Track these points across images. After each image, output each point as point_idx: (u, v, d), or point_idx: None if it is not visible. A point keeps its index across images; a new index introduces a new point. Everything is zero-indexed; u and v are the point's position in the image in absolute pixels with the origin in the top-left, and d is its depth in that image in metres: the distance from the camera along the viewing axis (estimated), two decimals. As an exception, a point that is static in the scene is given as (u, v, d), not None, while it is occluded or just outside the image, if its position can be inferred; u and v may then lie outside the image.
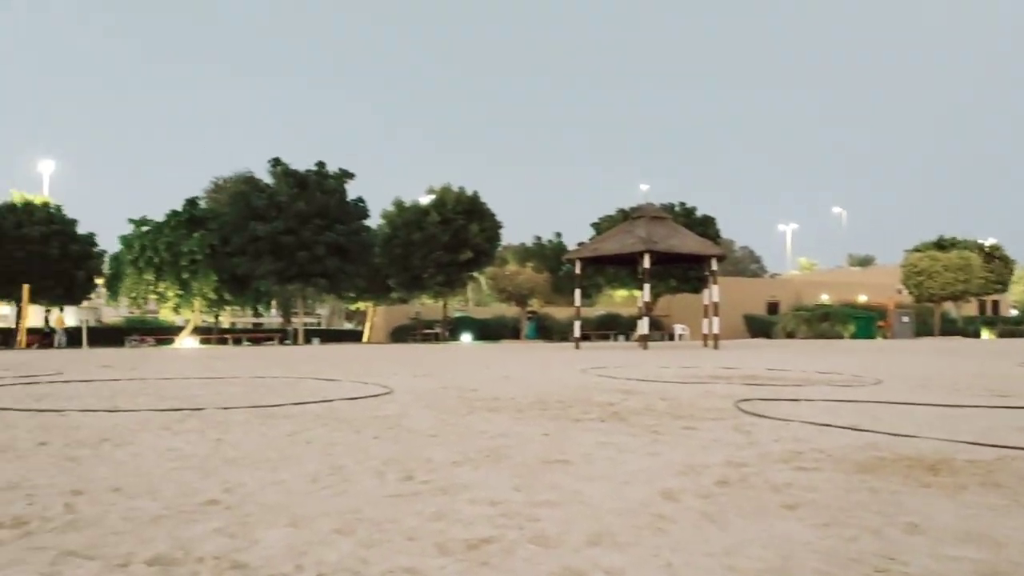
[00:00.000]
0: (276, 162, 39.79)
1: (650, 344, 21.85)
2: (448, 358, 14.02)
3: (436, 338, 41.12)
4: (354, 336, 50.13)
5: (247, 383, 7.08)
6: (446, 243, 39.15)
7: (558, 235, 46.10)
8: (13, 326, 39.45)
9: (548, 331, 42.58)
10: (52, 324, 36.87)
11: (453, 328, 43.09)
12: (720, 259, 23.96)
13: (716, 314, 22.11)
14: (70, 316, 56.64)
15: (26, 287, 34.20)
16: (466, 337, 40.76)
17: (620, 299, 44.87)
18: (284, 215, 37.45)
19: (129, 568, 1.52)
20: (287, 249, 37.18)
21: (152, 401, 5.14)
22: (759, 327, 44.42)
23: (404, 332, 43.45)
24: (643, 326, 22.09)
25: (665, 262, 25.01)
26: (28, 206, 40.01)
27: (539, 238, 46.74)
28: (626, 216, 33.84)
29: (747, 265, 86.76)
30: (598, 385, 6.51)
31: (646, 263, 21.33)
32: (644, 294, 22.18)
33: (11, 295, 37.62)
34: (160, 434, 3.45)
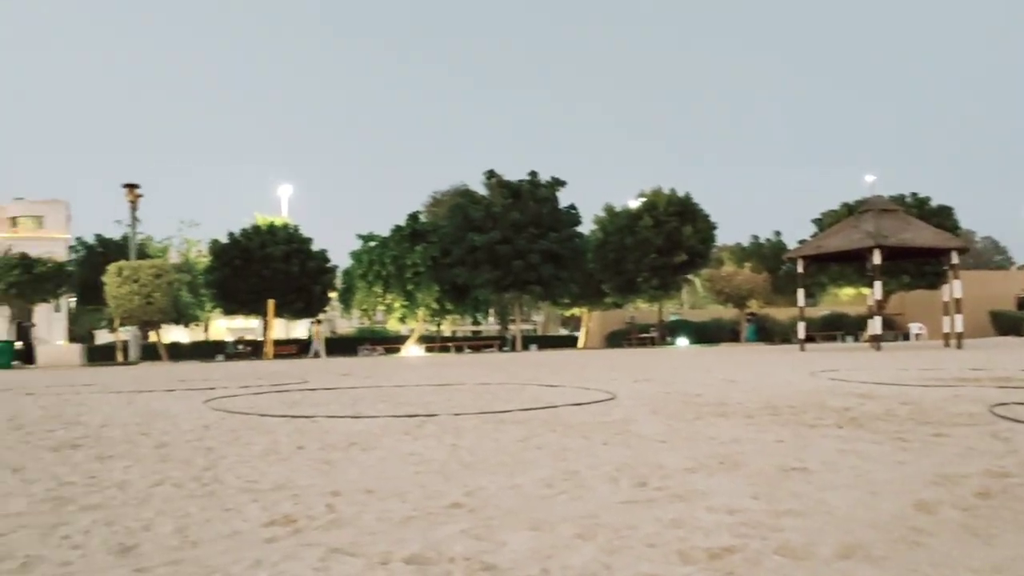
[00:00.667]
0: (491, 174, 41.07)
1: (883, 345, 20.58)
2: (667, 362, 13.87)
3: (652, 342, 40.77)
4: (570, 342, 50.70)
5: (473, 389, 7.34)
6: (659, 246, 38.78)
7: (777, 234, 44.47)
8: (261, 338, 43.10)
9: (769, 333, 41.07)
10: (311, 335, 39.49)
11: (669, 332, 42.55)
12: (961, 251, 22.16)
13: (959, 311, 20.48)
14: (306, 328, 61.14)
15: (271, 302, 37.22)
16: (682, 341, 40.11)
17: (846, 298, 42.55)
18: (499, 225, 38.55)
19: (389, 566, 1.62)
20: (503, 258, 38.23)
21: (390, 407, 5.44)
22: (1008, 324, 40.59)
23: (619, 337, 43.38)
24: (875, 325, 20.84)
25: (897, 257, 23.50)
26: (271, 228, 43.55)
27: (756, 237, 45.31)
28: (851, 211, 32.11)
29: (990, 257, 79.92)
30: (831, 389, 6.21)
31: (876, 259, 20.10)
32: (875, 292, 20.90)
33: (258, 310, 41.10)
34: (401, 439, 3.65)
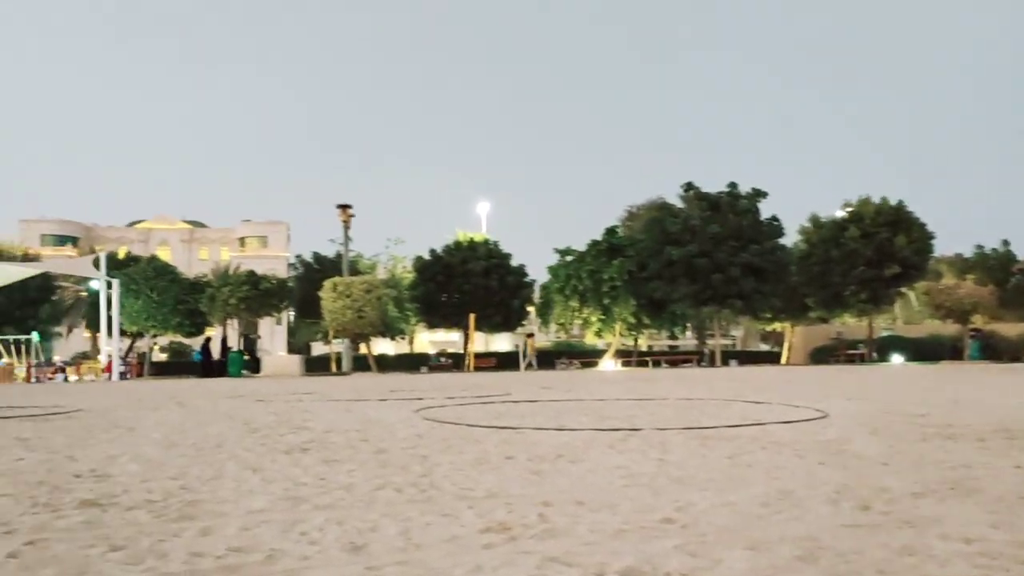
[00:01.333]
0: (688, 186, 40.47)
1: None
2: (881, 380, 13.09)
3: (861, 359, 38.61)
4: (771, 358, 48.96)
5: (676, 404, 7.24)
6: (868, 258, 36.75)
7: (1005, 243, 40.98)
8: (462, 351, 44.55)
9: (995, 351, 37.87)
10: (524, 347, 40.27)
11: (880, 348, 40.14)
12: None
13: None
14: (505, 341, 62.55)
15: (472, 316, 38.39)
16: (896, 358, 37.72)
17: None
18: (698, 238, 37.89)
19: (604, 577, 1.63)
20: (702, 272, 37.52)
21: (593, 421, 5.48)
22: None
23: (824, 353, 41.40)
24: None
25: None
26: (471, 244, 44.98)
27: (981, 247, 41.96)
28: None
29: None
30: (1073, 412, 5.65)
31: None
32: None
33: (459, 323, 42.51)
34: (606, 452, 3.66)
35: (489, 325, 43.24)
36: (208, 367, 34.17)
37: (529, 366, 36.20)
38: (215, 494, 2.74)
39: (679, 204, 41.22)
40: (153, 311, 42.17)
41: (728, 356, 45.86)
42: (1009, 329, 38.32)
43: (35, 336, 35.48)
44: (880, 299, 38.44)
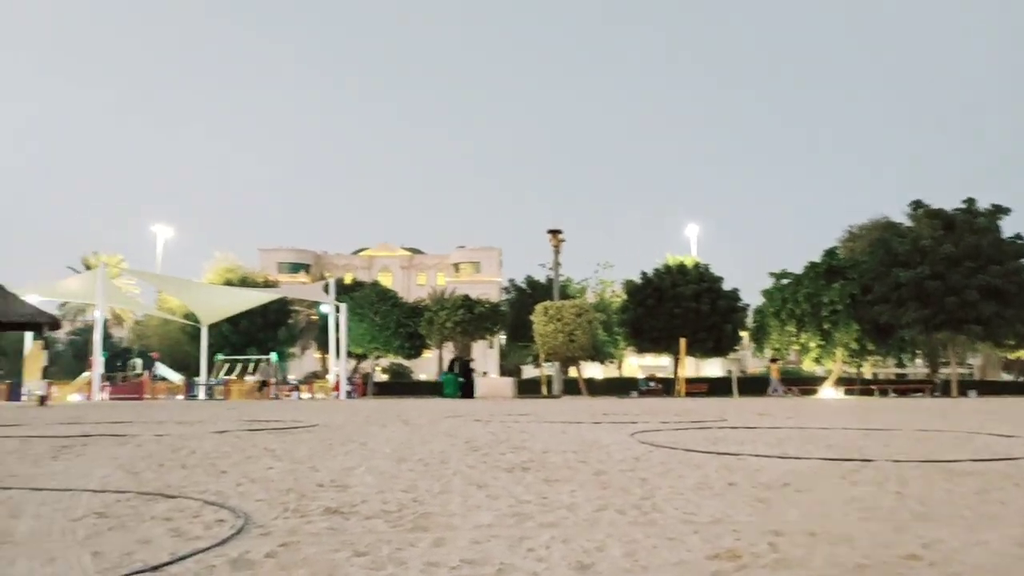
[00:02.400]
0: (917, 204, 37.96)
1: None
2: None
3: None
4: (1015, 388, 44.72)
5: (911, 435, 6.77)
6: None
7: None
8: (671, 375, 43.89)
9: None
10: (769, 372, 38.96)
11: None
12: None
13: None
14: (716, 367, 61.02)
15: (683, 340, 37.77)
16: None
17: None
18: (928, 259, 35.40)
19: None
20: (934, 295, 34.97)
21: (818, 450, 5.22)
22: None
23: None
24: None
25: None
26: (681, 267, 44.36)
27: None
28: None
29: None
30: None
31: None
32: None
33: (669, 348, 41.96)
34: (837, 483, 3.48)
35: (700, 350, 42.38)
36: (465, 387, 33.49)
37: (775, 391, 34.47)
38: (444, 507, 2.85)
39: (906, 223, 38.71)
40: (376, 334, 44.63)
41: (965, 386, 42.32)
42: None
43: (274, 356, 38.50)
44: None
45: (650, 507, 2.83)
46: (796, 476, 3.70)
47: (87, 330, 54.30)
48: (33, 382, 24.85)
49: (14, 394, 30.41)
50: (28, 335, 29.74)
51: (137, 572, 1.87)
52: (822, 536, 2.30)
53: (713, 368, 61.06)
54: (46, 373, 22.59)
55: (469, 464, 4.33)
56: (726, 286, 43.36)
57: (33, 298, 26.68)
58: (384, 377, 60.30)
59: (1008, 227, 36.83)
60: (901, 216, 39.72)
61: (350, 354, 41.18)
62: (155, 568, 1.91)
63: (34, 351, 26.53)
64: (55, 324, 23.25)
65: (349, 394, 35.19)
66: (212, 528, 2.45)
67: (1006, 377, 58.81)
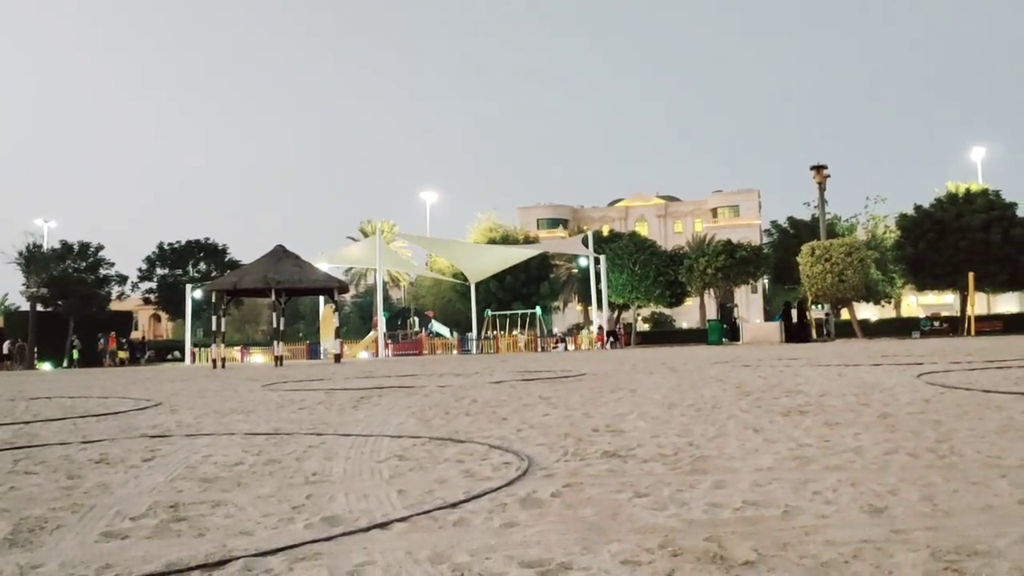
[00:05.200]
0: None
1: None
2: None
3: None
4: None
5: None
6: None
7: None
8: (957, 314, 40.37)
9: None
10: None
11: None
12: None
13: None
14: (1012, 302, 55.22)
15: (971, 275, 34.55)
16: None
17: None
18: None
19: None
20: None
21: None
22: None
23: None
24: None
25: None
26: (967, 195, 40.46)
27: None
28: None
29: None
30: None
31: None
32: None
33: (954, 284, 38.56)
34: None
35: (992, 284, 38.54)
36: (792, 332, 32.24)
37: None
38: (721, 451, 2.84)
39: None
40: (636, 283, 44.70)
41: None
42: None
43: (538, 310, 39.73)
44: None
45: (947, 450, 2.65)
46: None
47: (369, 292, 58.98)
48: (329, 341, 27.42)
49: (313, 352, 33.83)
50: (320, 299, 32.80)
51: (438, 508, 2.03)
52: None
53: (1008, 304, 55.41)
54: (339, 333, 24.80)
55: (742, 408, 4.26)
56: (1021, 213, 39.00)
57: (323, 265, 29.36)
58: (646, 327, 60.41)
59: None
60: None
61: (611, 305, 41.62)
62: (454, 505, 2.06)
63: (327, 313, 29.24)
64: (344, 288, 25.37)
65: (613, 344, 35.66)
66: (500, 470, 2.61)
67: None
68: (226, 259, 48.18)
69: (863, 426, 3.33)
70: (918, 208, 41.02)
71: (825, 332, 33.25)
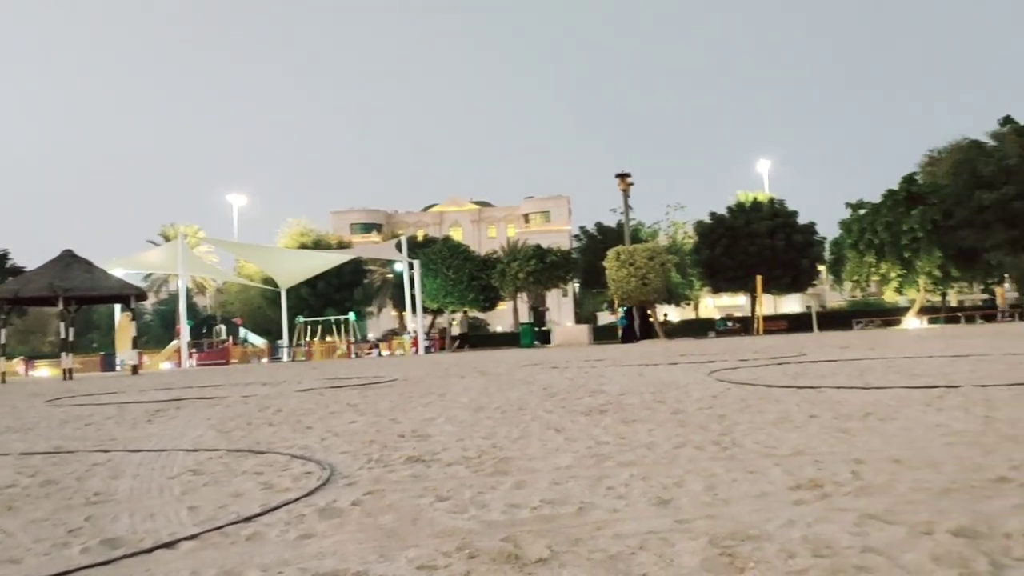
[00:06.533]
0: (1006, 120, 36.31)
1: None
2: None
3: None
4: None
5: (1000, 360, 6.59)
6: None
7: None
8: (749, 314, 43.32)
9: None
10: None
11: None
12: None
13: None
14: (795, 303, 59.90)
15: (759, 278, 37.17)
16: None
17: None
18: (1015, 179, 33.95)
19: (934, 536, 1.53)
20: (1021, 215, 33.63)
21: (902, 379, 5.13)
22: None
23: None
24: None
25: None
26: (754, 204, 43.47)
27: None
28: None
29: None
30: None
31: None
32: None
33: (745, 286, 41.35)
34: (922, 410, 3.42)
35: (777, 287, 41.67)
36: (630, 334, 33.37)
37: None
38: (524, 452, 2.89)
39: (991, 143, 37.11)
40: (450, 288, 45.01)
41: (1057, 308, 40.77)
42: None
43: (352, 316, 39.19)
44: None
45: (729, 442, 2.83)
46: (879, 406, 3.65)
47: (172, 300, 56.08)
48: (125, 352, 25.80)
49: (108, 364, 31.71)
50: (117, 307, 30.85)
51: (231, 523, 1.95)
52: (906, 463, 2.27)
53: (792, 304, 60.02)
54: (136, 343, 23.40)
55: (547, 409, 4.37)
56: (801, 220, 42.40)
57: (118, 271, 27.55)
58: (461, 330, 60.95)
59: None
60: (986, 137, 38.06)
61: (426, 310, 41.67)
62: (248, 519, 1.99)
63: (123, 322, 27.47)
64: (141, 295, 24.01)
65: (428, 349, 35.67)
66: (300, 480, 2.54)
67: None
68: (7, 265, 44.38)
69: (657, 422, 3.50)
70: (714, 215, 43.68)
71: (658, 333, 34.74)
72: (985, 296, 54.26)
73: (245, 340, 38.68)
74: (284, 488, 2.41)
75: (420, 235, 59.02)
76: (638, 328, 33.25)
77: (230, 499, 2.28)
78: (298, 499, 2.20)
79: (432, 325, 45.54)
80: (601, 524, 1.77)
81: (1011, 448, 2.40)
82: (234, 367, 25.36)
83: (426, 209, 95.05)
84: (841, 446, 2.62)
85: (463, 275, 45.16)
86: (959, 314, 42.70)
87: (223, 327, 41.77)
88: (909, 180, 38.72)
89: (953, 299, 50.07)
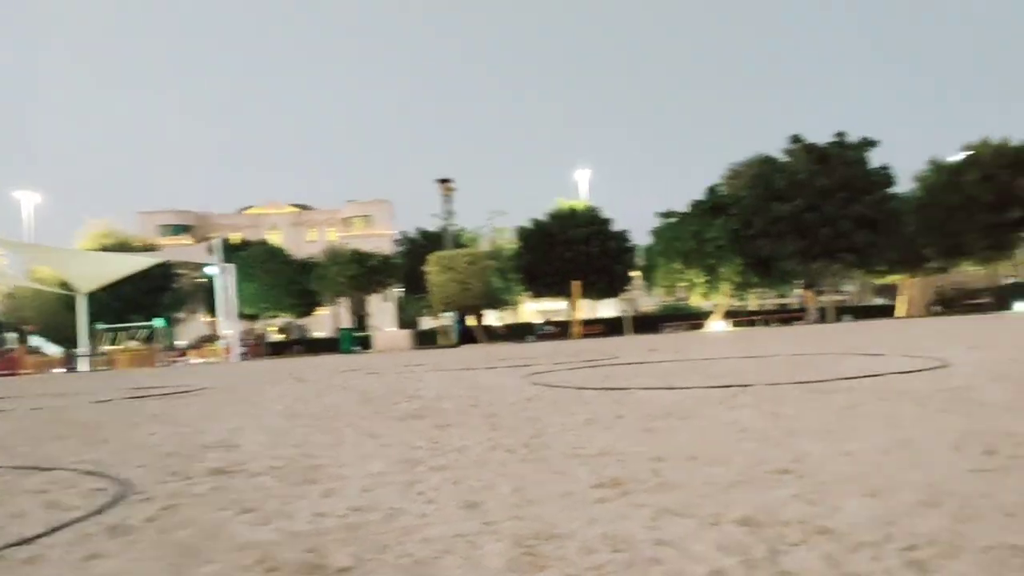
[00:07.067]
0: (795, 139, 39.23)
1: None
2: (1005, 329, 12.50)
3: (983, 308, 36.90)
4: (887, 311, 47.27)
5: (789, 360, 7.10)
6: (989, 202, 34.96)
7: None
8: (568, 319, 44.59)
9: None
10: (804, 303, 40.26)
11: (1004, 296, 38.28)
12: None
13: None
14: (611, 307, 62.24)
15: (576, 283, 38.33)
16: (1021, 305, 35.92)
17: None
18: (805, 192, 36.80)
19: (721, 527, 1.62)
20: (810, 227, 36.47)
21: (702, 379, 5.42)
22: None
23: (944, 304, 39.74)
24: None
25: None
26: (572, 211, 44.82)
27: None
28: None
29: None
30: None
31: None
32: None
33: (564, 291, 42.54)
34: (718, 408, 3.62)
35: (594, 292, 43.12)
36: (465, 335, 34.24)
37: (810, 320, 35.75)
38: (335, 459, 2.84)
39: (785, 158, 40.03)
40: (267, 293, 43.66)
41: (842, 312, 44.49)
42: None
43: (160, 322, 37.24)
44: (1003, 245, 36.52)
45: (540, 445, 2.89)
46: (680, 405, 3.83)
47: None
48: None
49: None
50: None
51: (9, 545, 1.80)
52: (701, 459, 2.39)
53: (608, 309, 62.32)
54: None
55: (362, 416, 4.32)
56: (617, 228, 44.11)
57: None
58: (280, 336, 59.20)
59: (877, 158, 38.55)
60: (781, 153, 41.00)
61: (242, 315, 40.20)
62: (27, 541, 1.84)
63: None
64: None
65: (243, 356, 34.43)
66: (89, 497, 2.38)
67: (880, 301, 61.95)
68: None
69: (471, 426, 3.53)
70: (534, 221, 44.68)
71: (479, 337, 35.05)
72: (784, 301, 58.44)
73: (38, 349, 35.91)
74: (72, 506, 2.25)
75: (236, 238, 56.89)
76: (459, 333, 33.72)
77: (9, 520, 2.10)
78: (86, 517, 2.06)
79: (248, 331, 43.95)
80: (409, 529, 1.76)
81: (793, 442, 2.59)
82: (25, 378, 23.50)
83: (242, 211, 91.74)
84: (644, 445, 2.73)
85: (281, 279, 43.92)
86: (761, 318, 45.73)
87: (15, 335, 38.61)
88: (712, 191, 41.14)
89: (753, 304, 53.50)
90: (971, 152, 36.81)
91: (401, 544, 1.64)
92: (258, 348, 41.47)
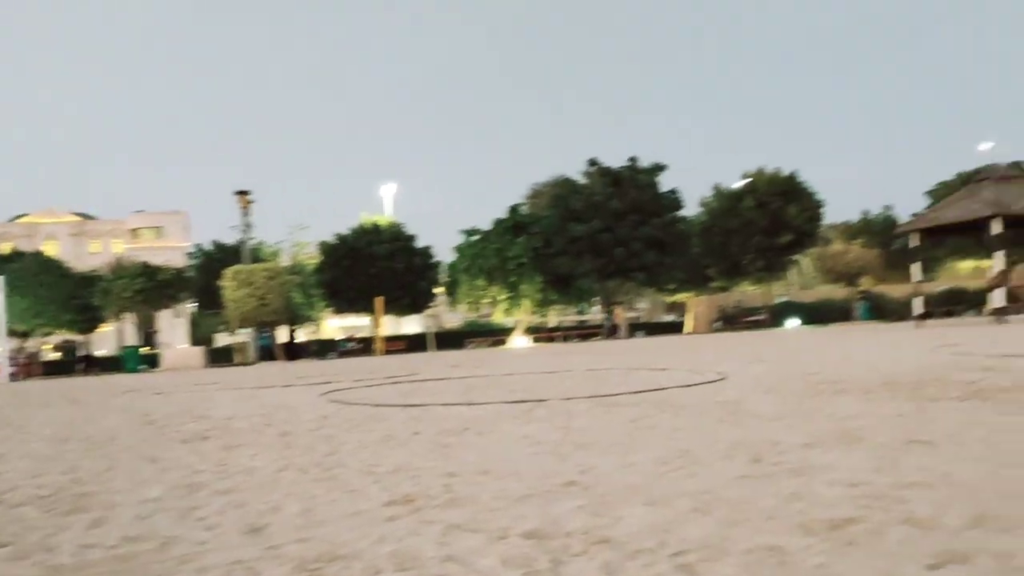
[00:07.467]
0: (592, 162, 40.89)
1: (1010, 319, 19.58)
2: (778, 344, 13.56)
3: (760, 325, 39.93)
4: (676, 328, 50.11)
5: (582, 375, 7.35)
6: (764, 227, 37.95)
7: (887, 208, 42.99)
8: (371, 335, 44.15)
9: (883, 311, 39.64)
10: (615, 320, 40.83)
11: (777, 313, 41.59)
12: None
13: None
14: (414, 324, 62.25)
15: (379, 299, 38.03)
16: (792, 322, 39.16)
17: (965, 271, 40.79)
18: (601, 214, 38.44)
19: (508, 540, 1.64)
20: (605, 247, 38.11)
21: (501, 395, 5.50)
22: None
23: (726, 321, 42.66)
24: (997, 298, 19.88)
25: (1020, 226, 22.37)
26: (376, 227, 44.51)
27: (866, 213, 43.87)
28: (966, 181, 30.71)
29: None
30: (954, 363, 5.96)
31: (996, 228, 19.17)
32: (996, 263, 19.94)
33: (367, 308, 42.09)
34: (513, 423, 3.69)
35: (397, 308, 42.96)
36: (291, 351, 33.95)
37: (615, 334, 36.36)
38: (108, 486, 2.65)
39: (583, 180, 41.62)
40: (42, 308, 40.39)
41: (635, 328, 46.73)
42: (895, 290, 40.15)
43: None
44: (775, 266, 39.75)
45: (333, 463, 2.82)
46: (477, 421, 3.87)
47: None
48: None
49: None
50: None
51: None
52: (493, 473, 2.42)
53: (412, 325, 62.24)
54: None
55: (142, 438, 4.06)
56: (421, 244, 44.23)
57: None
58: (56, 355, 54.87)
59: (667, 182, 40.98)
60: (580, 175, 42.60)
61: (12, 332, 36.92)
62: None
63: None
64: None
65: (13, 376, 31.60)
66: None
67: (669, 318, 65.58)
68: None
69: (262, 446, 3.40)
70: (338, 236, 43.99)
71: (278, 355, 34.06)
72: (583, 317, 60.56)
73: None
74: None
75: (7, 248, 52.28)
76: (258, 351, 32.84)
77: None
78: None
79: (20, 350, 40.42)
80: (185, 558, 1.66)
81: (581, 455, 2.67)
82: None
83: (15, 219, 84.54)
84: (438, 461, 2.73)
85: (58, 293, 40.75)
86: (561, 334, 47.14)
87: None
88: (514, 210, 42.13)
89: (553, 320, 55.12)
90: (749, 180, 39.83)
91: (176, 574, 1.55)
92: (30, 368, 38.18)
